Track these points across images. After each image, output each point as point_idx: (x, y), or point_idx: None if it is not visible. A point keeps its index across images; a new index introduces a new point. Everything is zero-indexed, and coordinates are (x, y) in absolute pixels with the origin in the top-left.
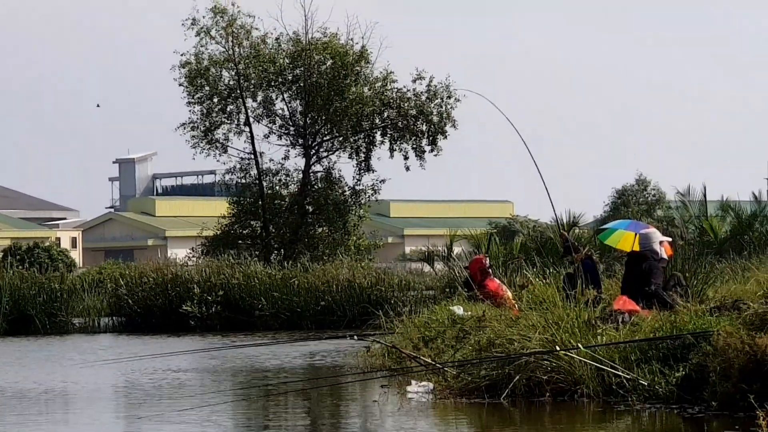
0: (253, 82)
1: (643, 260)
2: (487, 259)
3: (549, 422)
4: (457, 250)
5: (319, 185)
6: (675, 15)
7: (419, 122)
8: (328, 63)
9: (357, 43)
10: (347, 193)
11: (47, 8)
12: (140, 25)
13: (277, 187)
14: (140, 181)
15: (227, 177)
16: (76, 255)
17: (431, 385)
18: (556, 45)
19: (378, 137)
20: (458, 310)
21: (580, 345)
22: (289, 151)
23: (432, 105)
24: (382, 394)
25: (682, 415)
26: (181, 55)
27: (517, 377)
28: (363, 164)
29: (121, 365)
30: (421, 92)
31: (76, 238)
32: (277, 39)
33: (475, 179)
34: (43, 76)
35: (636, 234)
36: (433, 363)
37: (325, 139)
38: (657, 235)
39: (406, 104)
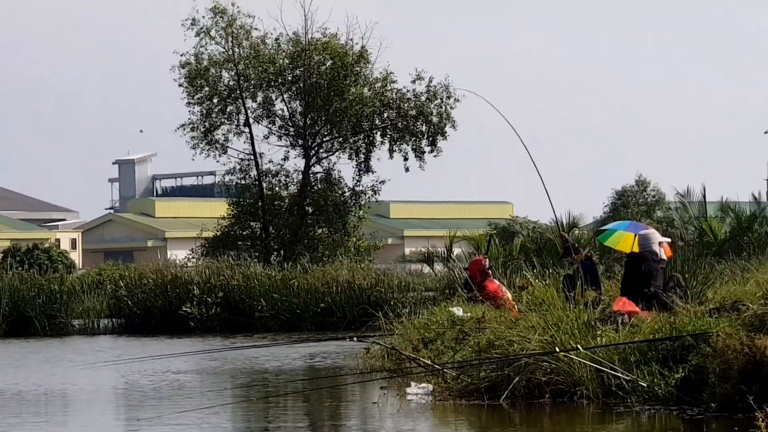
0: (252, 82)
1: (642, 261)
2: (487, 260)
3: (548, 424)
4: (456, 251)
5: (319, 186)
6: (675, 15)
7: (419, 123)
8: (328, 63)
9: (357, 44)
10: (347, 194)
11: (47, 8)
12: (140, 26)
13: (277, 188)
14: (140, 182)
15: (227, 178)
16: (76, 256)
17: (431, 387)
18: (556, 45)
19: (378, 138)
20: (458, 311)
21: (579, 346)
22: (288, 151)
23: (432, 105)
24: (381, 395)
25: (682, 416)
26: (181, 55)
27: (517, 379)
28: (363, 165)
29: (120, 367)
30: (421, 93)
31: (75, 239)
32: (276, 39)
33: (475, 180)
34: (42, 77)
35: (635, 235)
36: (433, 364)
37: (324, 139)
38: (656, 236)
39: (405, 105)
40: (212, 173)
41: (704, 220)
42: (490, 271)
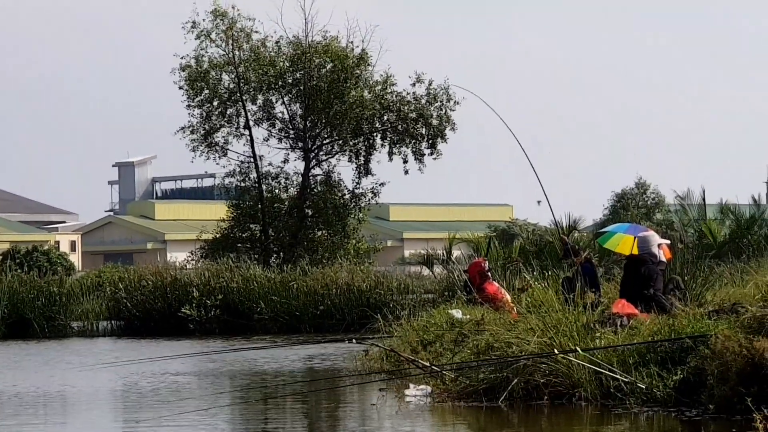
0: (253, 85)
1: (641, 264)
2: (486, 262)
3: (547, 425)
4: (456, 253)
5: (319, 189)
6: (675, 15)
7: (419, 125)
8: (328, 66)
9: (357, 47)
10: (346, 196)
11: (47, 9)
12: (140, 28)
13: (277, 191)
14: (139, 185)
15: (227, 180)
16: (75, 258)
17: (429, 389)
18: (556, 45)
19: (378, 141)
20: (457, 313)
21: (578, 348)
22: (288, 154)
23: (431, 108)
24: (380, 397)
25: (680, 418)
26: (181, 58)
27: (516, 380)
28: (362, 168)
29: (119, 369)
30: (421, 95)
31: (75, 241)
32: (277, 42)
33: (475, 182)
34: (42, 78)
35: (635, 237)
36: (432, 366)
37: (324, 142)
38: (655, 238)
39: (405, 107)
40: (212, 176)
41: (704, 223)
42: (489, 274)
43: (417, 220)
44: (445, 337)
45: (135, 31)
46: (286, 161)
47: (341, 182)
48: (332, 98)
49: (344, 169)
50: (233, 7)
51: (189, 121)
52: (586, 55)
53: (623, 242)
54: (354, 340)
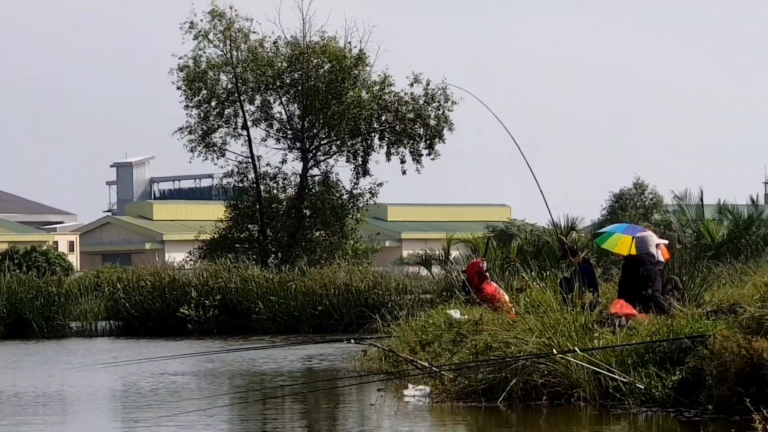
0: (250, 85)
1: (640, 264)
2: (485, 262)
3: (545, 426)
4: (454, 253)
5: (317, 189)
6: (675, 15)
7: (417, 126)
8: (326, 66)
9: (355, 47)
10: (344, 197)
11: (46, 9)
12: (138, 29)
13: (275, 191)
14: (138, 185)
15: (225, 181)
16: (74, 259)
17: (428, 389)
18: (556, 45)
19: (376, 141)
20: (455, 313)
21: (576, 348)
22: (286, 154)
23: (429, 108)
24: (379, 397)
25: (679, 418)
26: (179, 58)
27: (514, 381)
28: (360, 168)
29: (118, 369)
30: (419, 95)
31: (73, 241)
32: (275, 42)
33: (473, 183)
34: (40, 79)
35: (633, 237)
36: (430, 366)
37: (322, 142)
38: (653, 238)
39: (403, 108)
40: (210, 176)
41: (702, 223)
42: (487, 274)
43: (415, 221)
44: (444, 338)
45: (133, 31)
46: (284, 161)
47: (339, 182)
48: (330, 99)
49: (342, 170)
50: (231, 8)
51: (187, 122)
52: (586, 55)
53: (621, 242)
54: (352, 341)
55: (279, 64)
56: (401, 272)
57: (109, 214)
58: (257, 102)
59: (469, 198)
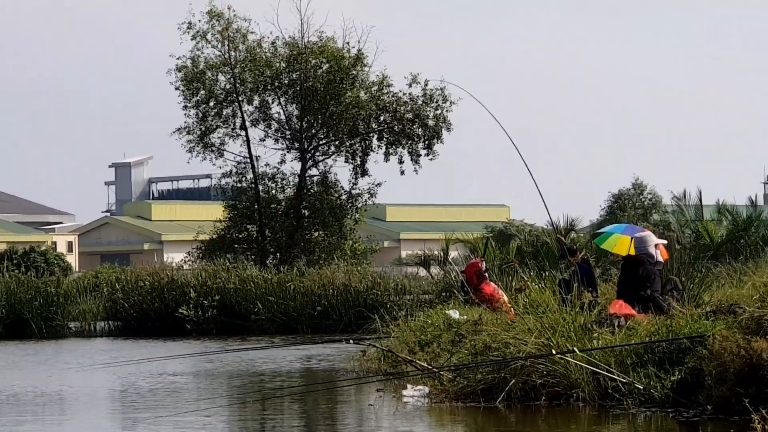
0: (249, 85)
1: (639, 264)
2: (484, 263)
3: (544, 426)
4: (453, 254)
5: (315, 189)
6: (674, 15)
7: (415, 126)
8: (324, 67)
9: (353, 47)
10: (343, 197)
11: (44, 9)
12: (137, 29)
13: (273, 191)
14: (136, 185)
15: (223, 181)
16: (72, 259)
17: (427, 389)
18: (556, 45)
19: (374, 142)
20: (454, 314)
21: (576, 349)
22: (285, 155)
23: (428, 109)
24: (378, 397)
25: (678, 419)
26: (177, 58)
27: (513, 381)
28: (359, 168)
29: (117, 369)
30: (417, 96)
31: (72, 242)
32: (273, 43)
33: (472, 183)
34: (39, 79)
35: (632, 238)
36: (429, 367)
37: (321, 143)
38: (652, 238)
39: (402, 108)
40: (208, 176)
41: (701, 224)
42: (486, 274)
43: (414, 221)
44: (443, 338)
45: (132, 32)
46: (282, 162)
47: (338, 183)
48: (328, 99)
49: (341, 170)
50: (229, 8)
51: (185, 122)
52: (586, 55)
53: (620, 243)
54: (351, 341)
55: (277, 64)
56: (400, 273)
57: (108, 214)
58: (255, 102)
59: (468, 198)
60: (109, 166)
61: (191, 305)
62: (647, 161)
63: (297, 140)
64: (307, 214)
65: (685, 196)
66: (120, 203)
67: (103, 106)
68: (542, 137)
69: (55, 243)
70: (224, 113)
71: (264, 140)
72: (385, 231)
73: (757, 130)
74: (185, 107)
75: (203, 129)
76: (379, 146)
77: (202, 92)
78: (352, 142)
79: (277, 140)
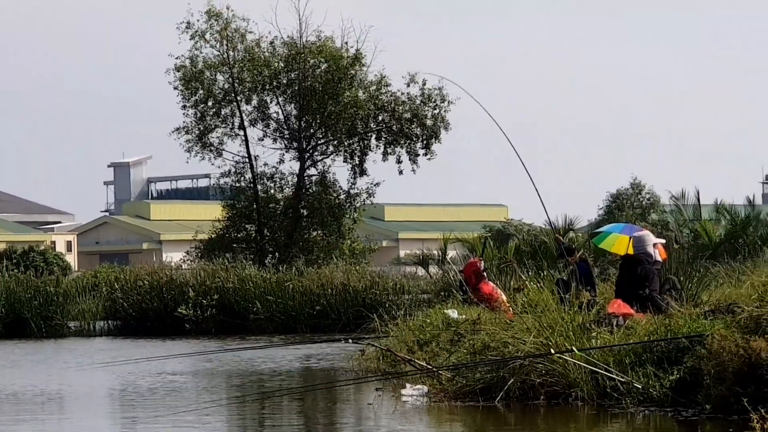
0: (247, 85)
1: (637, 264)
2: (482, 262)
3: (543, 425)
4: (451, 253)
5: (314, 189)
6: (674, 15)
7: (413, 125)
8: (323, 67)
9: (351, 47)
10: (342, 196)
11: (43, 9)
12: (136, 29)
13: (272, 191)
14: (135, 185)
15: (222, 181)
16: (72, 259)
17: (426, 388)
18: (556, 45)
19: (373, 141)
20: (453, 313)
21: (574, 348)
22: (283, 154)
23: (426, 108)
24: (376, 397)
25: (677, 418)
26: (176, 58)
27: (512, 380)
28: (357, 168)
29: (116, 368)
30: (416, 95)
31: (71, 241)
32: (271, 42)
33: (470, 183)
34: (38, 79)
35: (630, 237)
36: (428, 366)
37: (319, 142)
38: (651, 238)
39: (400, 108)
40: (207, 176)
41: (699, 223)
42: (485, 274)
43: (412, 221)
44: (442, 337)
45: (131, 32)
46: (281, 161)
47: (336, 182)
48: (327, 98)
49: (339, 170)
50: (227, 8)
51: (184, 122)
52: (586, 55)
53: (618, 242)
54: (350, 340)
55: (276, 64)
56: (399, 272)
57: (107, 214)
58: (254, 102)
59: (467, 198)
60: (108, 166)
61: (190, 305)
62: (646, 161)
63: (295, 140)
64: (305, 213)
65: (683, 196)
66: (119, 203)
67: (102, 106)
68: (542, 137)
69: (54, 242)
70: (223, 113)
71: (262, 140)
72: (383, 231)
73: (756, 130)
74: (184, 107)
75: (202, 129)
76: (377, 146)
77: (201, 92)
78: (351, 141)
79: (275, 140)
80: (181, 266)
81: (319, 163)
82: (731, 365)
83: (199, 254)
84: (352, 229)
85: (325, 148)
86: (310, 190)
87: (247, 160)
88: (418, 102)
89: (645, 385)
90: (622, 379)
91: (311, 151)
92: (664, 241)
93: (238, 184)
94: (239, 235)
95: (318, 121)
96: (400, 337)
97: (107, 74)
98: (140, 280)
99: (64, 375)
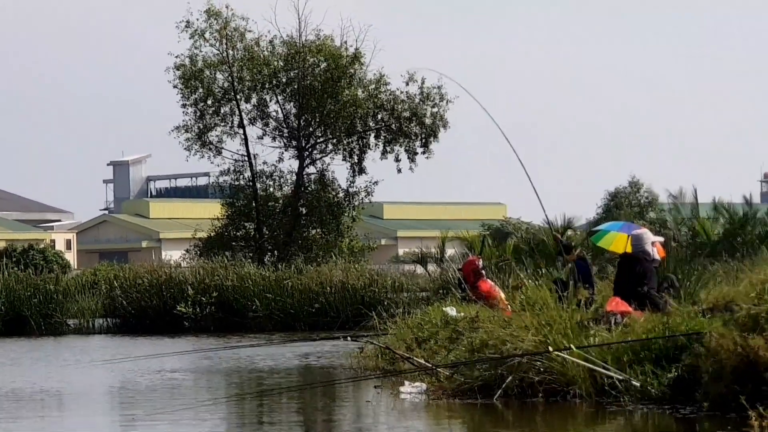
0: (247, 84)
1: (636, 262)
2: (481, 260)
3: (541, 422)
4: (450, 251)
5: (313, 187)
6: (674, 15)
7: (413, 124)
8: (322, 65)
9: (351, 46)
10: (340, 195)
11: (43, 8)
12: (135, 27)
13: (271, 189)
14: (134, 183)
15: (221, 179)
16: (71, 257)
17: (424, 386)
18: (556, 45)
19: (372, 140)
20: (451, 311)
21: (572, 346)
22: (282, 153)
23: (425, 107)
24: (375, 394)
25: (674, 415)
26: (176, 57)
27: (510, 378)
28: (356, 166)
29: (115, 366)
30: (414, 94)
31: (70, 240)
32: (270, 41)
33: (469, 181)
34: (38, 78)
35: (628, 235)
36: (427, 364)
37: (318, 141)
38: (649, 236)
39: (399, 106)
40: (206, 174)
41: (697, 221)
42: (483, 272)
43: (411, 219)
44: (440, 335)
45: (130, 30)
46: (280, 160)
47: (335, 181)
48: (326, 97)
49: (338, 168)
50: (227, 7)
51: (183, 120)
52: (586, 55)
53: (617, 240)
54: (349, 338)
55: (275, 62)
56: (397, 270)
57: (106, 212)
58: (253, 100)
59: (465, 196)
60: (108, 164)
61: (189, 303)
62: (645, 160)
63: (295, 138)
64: (304, 212)
65: (680, 194)
66: (118, 201)
67: (101, 105)
68: (542, 137)
69: (53, 241)
70: (222, 111)
71: (262, 138)
72: (382, 229)
73: (754, 129)
74: (183, 105)
75: (201, 127)
76: (376, 144)
77: (200, 90)
78: (350, 140)
79: (274, 138)
80: (181, 264)
81: (318, 162)
82: (729, 363)
83: (199, 252)
84: (351, 227)
85: (324, 146)
86: (309, 189)
87: (246, 158)
88: (417, 100)
89: (643, 383)
90: (620, 377)
91: (310, 149)
92: (662, 239)
93: (237, 183)
94: (238, 233)
95: (317, 119)
96: (399, 334)
97: (107, 73)
98: (139, 278)
99: (64, 373)
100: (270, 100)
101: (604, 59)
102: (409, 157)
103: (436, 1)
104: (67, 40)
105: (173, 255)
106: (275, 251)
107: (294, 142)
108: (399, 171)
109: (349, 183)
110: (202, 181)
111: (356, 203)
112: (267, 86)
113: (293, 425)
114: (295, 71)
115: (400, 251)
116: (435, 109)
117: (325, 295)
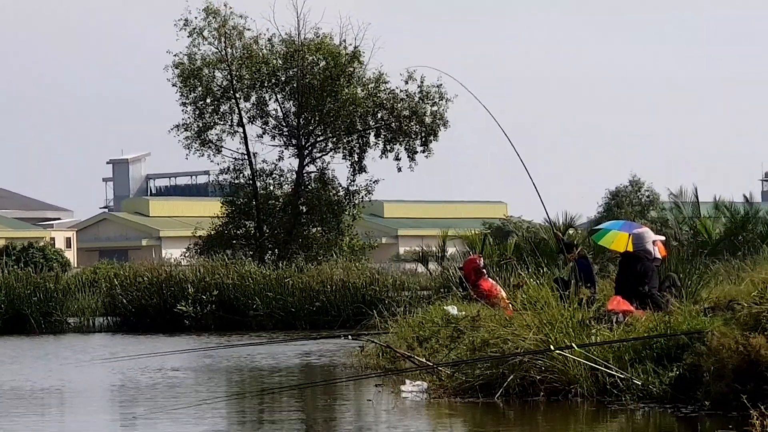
0: (246, 82)
1: (637, 261)
2: (482, 259)
3: (543, 421)
4: (450, 250)
5: (313, 186)
6: (674, 15)
7: (412, 123)
8: (321, 64)
9: (350, 45)
10: (341, 193)
11: (42, 8)
12: (134, 26)
13: (271, 188)
14: (134, 182)
15: (221, 177)
16: (71, 255)
17: (425, 385)
18: (556, 45)
19: (372, 139)
20: (452, 310)
21: (574, 345)
22: (282, 151)
23: (424, 105)
24: (376, 393)
25: (676, 414)
26: (174, 55)
27: (511, 377)
28: (356, 165)
29: (116, 364)
30: (414, 93)
31: (70, 238)
32: (269, 40)
33: (470, 180)
34: (37, 77)
35: (629, 234)
36: (428, 362)
37: (318, 139)
38: (650, 235)
39: (399, 105)
40: (206, 173)
41: (698, 220)
42: (484, 270)
43: (411, 217)
44: (441, 334)
45: (129, 29)
46: (280, 158)
47: (335, 179)
48: (325, 96)
49: (338, 167)
50: (225, 5)
51: (182, 119)
52: (586, 55)
53: (618, 239)
54: (350, 337)
55: (274, 61)
56: (398, 269)
57: (106, 210)
58: (253, 99)
59: (466, 195)
60: (107, 163)
61: (190, 301)
62: (645, 160)
63: (294, 137)
64: (304, 210)
65: (681, 193)
66: (118, 199)
67: (101, 103)
68: (542, 137)
69: (53, 239)
70: (221, 110)
71: (261, 137)
72: (382, 227)
73: (755, 128)
74: (183, 104)
75: (201, 126)
76: (376, 143)
77: (199, 89)
78: (350, 138)
79: (274, 137)
80: (181, 263)
81: (318, 160)
82: (731, 362)
83: (199, 251)
84: (352, 225)
85: (324, 145)
86: (309, 187)
87: (246, 156)
88: (416, 99)
89: (644, 382)
90: (622, 376)
91: (310, 148)
92: (663, 238)
93: (237, 181)
94: (238, 232)
95: (317, 118)
96: (400, 333)
97: (106, 72)
98: (140, 277)
99: (64, 371)
100: (269, 99)
101: (604, 59)
102: (409, 156)
103: (435, 0)
104: (67, 40)
105: (173, 253)
106: (276, 250)
107: (294, 141)
108: (399, 170)
109: (349, 181)
110: (201, 179)
111: (356, 202)
112: (266, 85)
113: (294, 424)
114: (294, 70)
115: (401, 250)
116: (435, 108)
117: (326, 293)
